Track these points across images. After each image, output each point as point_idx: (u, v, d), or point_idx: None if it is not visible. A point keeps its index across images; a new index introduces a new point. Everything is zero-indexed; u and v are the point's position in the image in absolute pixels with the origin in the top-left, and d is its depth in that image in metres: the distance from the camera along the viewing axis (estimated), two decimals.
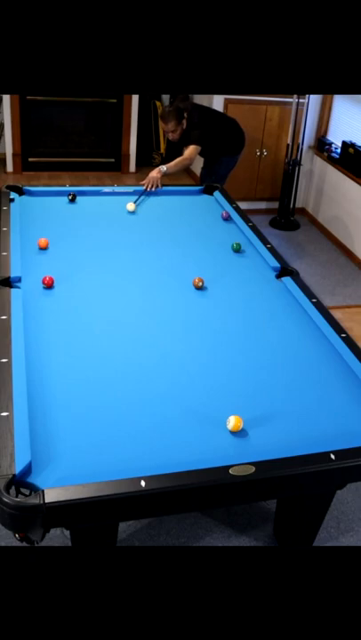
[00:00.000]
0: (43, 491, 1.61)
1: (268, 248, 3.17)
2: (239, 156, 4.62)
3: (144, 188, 3.85)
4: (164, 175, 3.94)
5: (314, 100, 5.60)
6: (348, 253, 5.32)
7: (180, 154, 4.26)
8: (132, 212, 3.56)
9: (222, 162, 4.53)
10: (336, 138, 5.55)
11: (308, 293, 2.75)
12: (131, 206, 3.58)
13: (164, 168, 3.95)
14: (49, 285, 2.67)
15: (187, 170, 6.50)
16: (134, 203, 3.61)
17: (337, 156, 5.42)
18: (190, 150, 4.14)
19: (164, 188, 3.93)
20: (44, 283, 2.67)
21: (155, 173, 3.90)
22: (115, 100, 6.28)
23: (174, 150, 6.63)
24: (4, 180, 5.90)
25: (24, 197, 3.64)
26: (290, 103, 5.50)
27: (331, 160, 5.51)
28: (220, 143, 4.44)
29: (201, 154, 4.28)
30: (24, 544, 1.73)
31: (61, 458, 1.78)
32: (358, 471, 1.90)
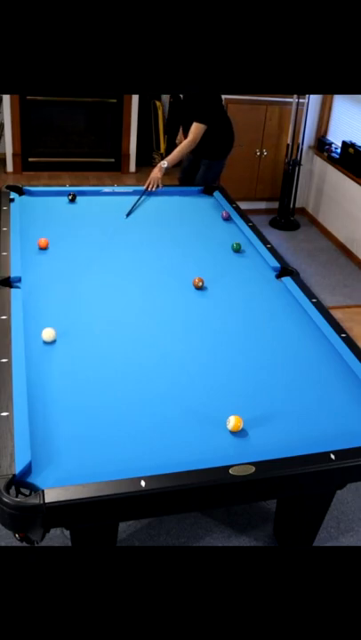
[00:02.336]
0: (43, 491, 1.61)
1: (268, 248, 3.17)
2: (225, 160, 4.35)
3: (145, 188, 3.83)
4: (167, 170, 3.87)
5: (314, 100, 5.60)
6: (349, 253, 5.32)
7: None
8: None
9: (210, 165, 4.24)
10: (336, 138, 5.55)
11: (308, 293, 2.75)
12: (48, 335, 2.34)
13: (165, 164, 3.86)
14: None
15: None
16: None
17: (337, 156, 5.42)
18: (195, 129, 3.86)
19: (164, 189, 3.92)
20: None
21: (156, 172, 3.84)
22: (115, 100, 6.27)
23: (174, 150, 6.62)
24: (4, 180, 5.90)
25: (24, 197, 3.64)
26: (290, 103, 5.50)
27: (331, 160, 5.51)
28: (214, 141, 4.14)
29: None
30: (24, 544, 1.73)
31: (61, 458, 1.78)
32: (358, 471, 1.90)
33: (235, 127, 5.15)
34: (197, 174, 4.29)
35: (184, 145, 3.94)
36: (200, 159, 4.24)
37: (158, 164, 3.90)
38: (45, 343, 2.29)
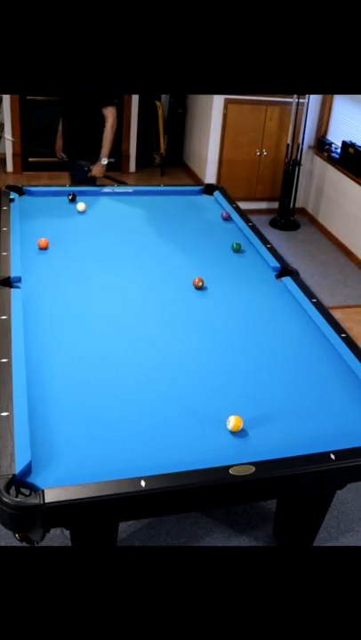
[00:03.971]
0: (43, 491, 1.61)
1: (268, 248, 3.17)
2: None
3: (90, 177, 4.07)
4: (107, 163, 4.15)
5: (314, 100, 5.61)
6: (349, 253, 5.32)
7: (180, 151, 4.16)
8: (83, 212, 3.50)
9: (77, 166, 4.31)
10: (336, 138, 5.55)
11: (308, 293, 2.75)
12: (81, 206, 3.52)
13: (105, 160, 4.13)
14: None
15: (186, 170, 6.51)
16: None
17: (337, 156, 5.42)
18: (111, 113, 4.17)
19: (164, 188, 3.92)
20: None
21: (100, 169, 4.12)
22: (115, 100, 6.27)
23: (174, 150, 6.63)
24: (4, 179, 5.90)
25: (24, 197, 3.64)
26: (290, 103, 5.50)
27: (331, 160, 5.51)
28: (98, 142, 4.25)
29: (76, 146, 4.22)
30: (24, 544, 1.73)
31: (61, 458, 1.78)
32: (358, 471, 1.90)
33: (234, 127, 5.17)
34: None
35: (111, 132, 4.20)
36: (80, 160, 4.28)
37: (99, 162, 4.14)
38: (80, 213, 3.36)
